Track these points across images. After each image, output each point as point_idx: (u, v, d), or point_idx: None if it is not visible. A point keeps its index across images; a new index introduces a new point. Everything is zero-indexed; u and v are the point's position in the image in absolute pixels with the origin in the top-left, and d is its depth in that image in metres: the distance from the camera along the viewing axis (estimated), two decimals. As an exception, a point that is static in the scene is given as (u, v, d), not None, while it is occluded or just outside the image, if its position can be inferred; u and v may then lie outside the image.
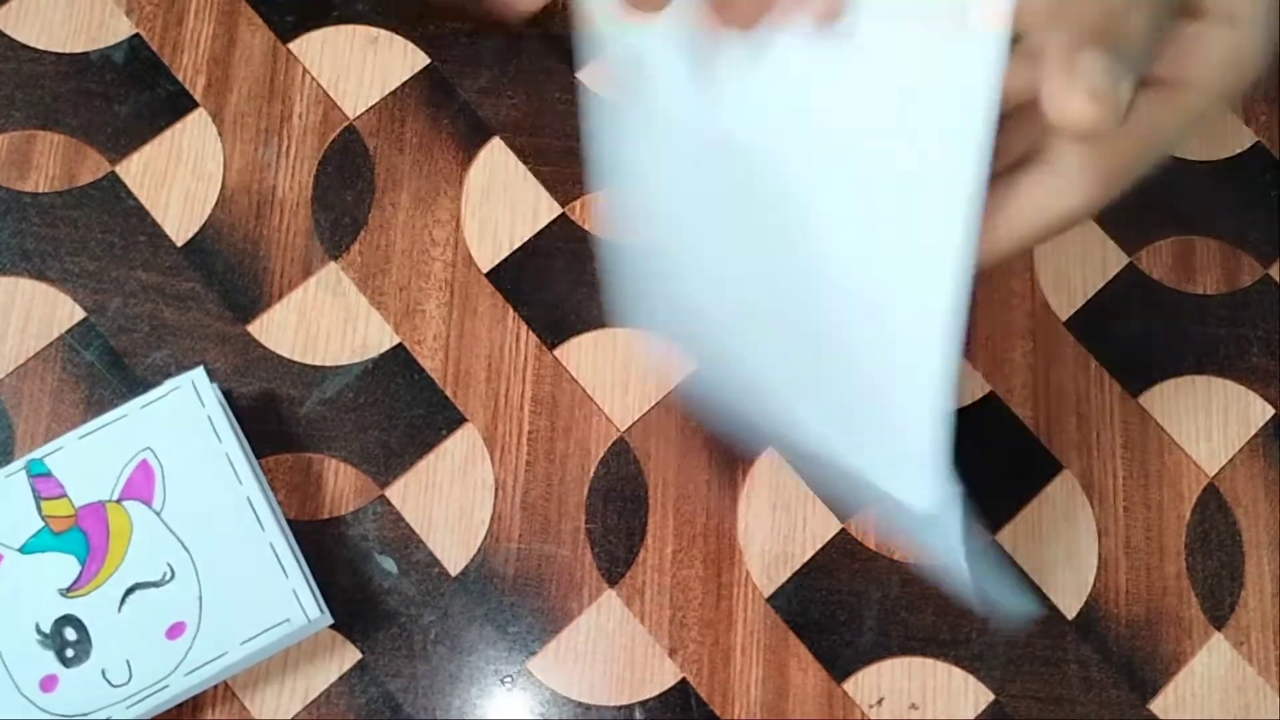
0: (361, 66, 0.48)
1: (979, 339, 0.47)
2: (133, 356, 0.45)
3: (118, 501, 0.40)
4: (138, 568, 0.39)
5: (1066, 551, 0.45)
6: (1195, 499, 0.45)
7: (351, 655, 0.42)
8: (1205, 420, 0.46)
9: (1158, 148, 0.31)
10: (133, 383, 0.44)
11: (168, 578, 0.39)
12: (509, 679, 0.42)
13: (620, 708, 0.42)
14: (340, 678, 0.42)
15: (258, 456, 0.44)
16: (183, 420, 0.40)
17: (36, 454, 0.40)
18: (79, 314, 0.45)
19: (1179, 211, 0.48)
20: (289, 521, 0.43)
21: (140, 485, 0.40)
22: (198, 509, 0.40)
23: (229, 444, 0.40)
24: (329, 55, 0.48)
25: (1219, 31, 0.31)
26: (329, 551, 0.43)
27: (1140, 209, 0.48)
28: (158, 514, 0.40)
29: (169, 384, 0.41)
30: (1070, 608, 0.44)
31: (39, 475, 0.40)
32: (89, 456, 0.40)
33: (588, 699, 0.42)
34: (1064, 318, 0.47)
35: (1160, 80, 0.31)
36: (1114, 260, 0.48)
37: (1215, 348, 0.47)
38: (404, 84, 0.48)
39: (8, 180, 0.46)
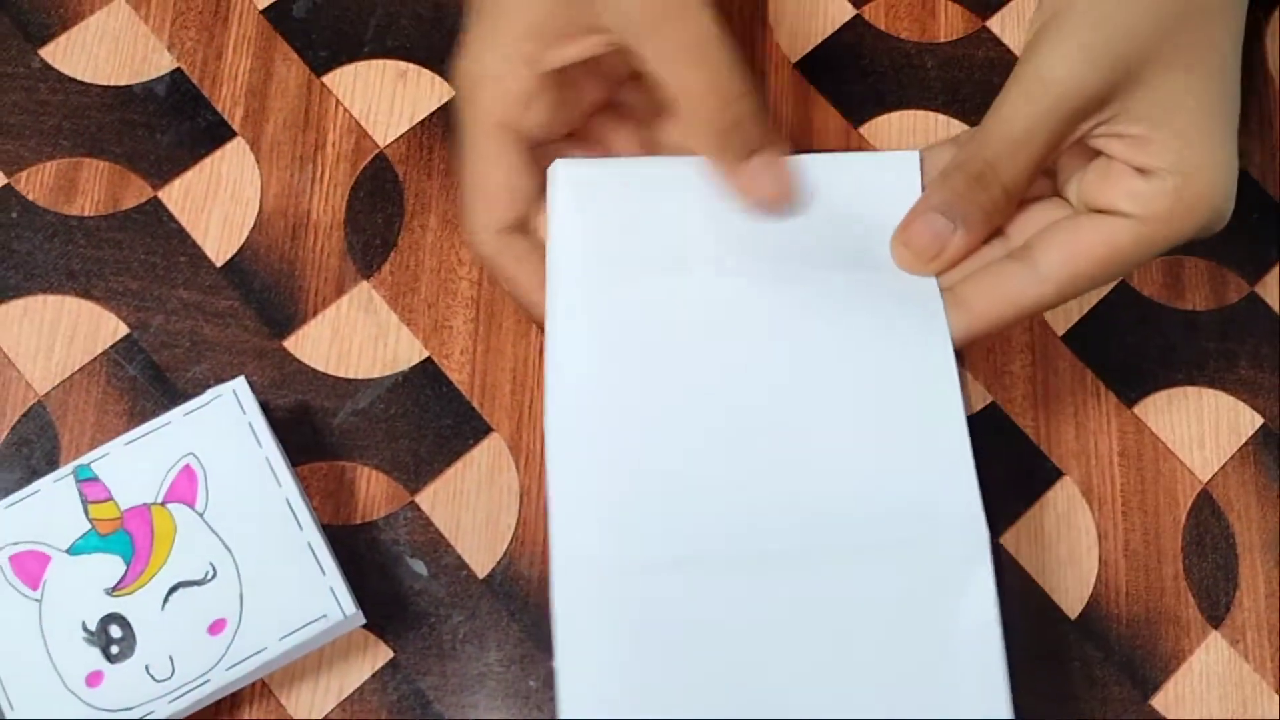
0: (391, 98, 0.50)
1: (981, 353, 0.49)
2: (174, 370, 0.47)
3: (162, 504, 0.41)
4: (181, 567, 0.41)
5: (1068, 554, 0.47)
6: (1190, 504, 0.47)
7: (384, 654, 0.44)
8: (1198, 429, 0.48)
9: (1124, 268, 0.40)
10: (174, 395, 0.46)
11: (210, 576, 0.41)
12: (536, 676, 0.44)
13: (642, 704, 0.44)
14: (373, 675, 0.44)
15: (293, 464, 0.46)
16: (224, 426, 0.42)
17: (84, 459, 0.42)
18: (123, 330, 0.47)
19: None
20: (323, 526, 0.45)
21: (184, 488, 0.42)
22: (239, 511, 0.42)
23: (269, 449, 0.42)
24: (360, 88, 0.50)
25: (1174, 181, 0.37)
26: (361, 555, 0.45)
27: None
28: (200, 516, 0.41)
29: (211, 392, 0.43)
30: (1072, 608, 0.46)
31: (86, 480, 0.41)
32: (134, 461, 0.42)
33: (611, 696, 0.44)
34: (1060, 332, 0.49)
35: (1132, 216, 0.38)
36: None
37: (1205, 361, 0.49)
38: (432, 114, 0.50)
39: (55, 205, 0.48)
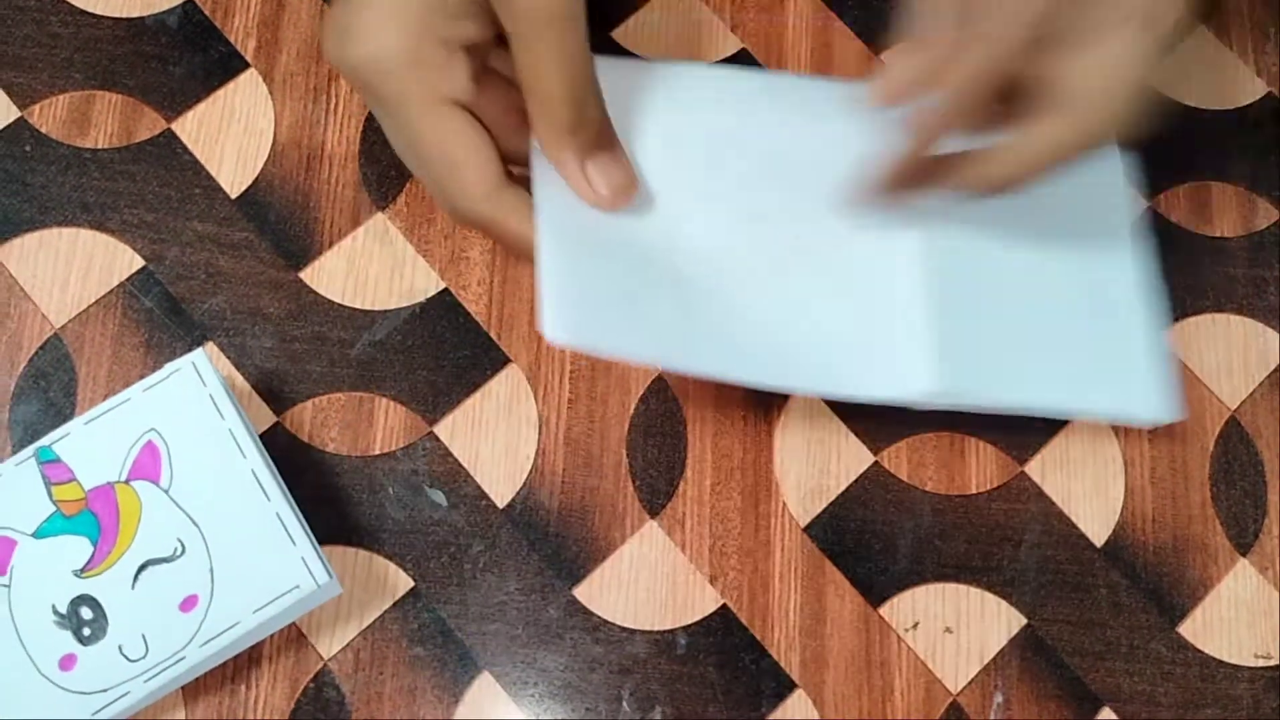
0: (405, 28, 0.50)
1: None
2: (190, 302, 0.46)
3: (126, 482, 0.41)
4: (149, 545, 0.40)
5: (1094, 482, 0.46)
6: (1218, 431, 0.47)
7: (404, 583, 0.44)
8: (1225, 356, 0.48)
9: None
10: (190, 326, 0.46)
11: (179, 553, 0.40)
12: (555, 605, 0.44)
13: (663, 632, 0.44)
14: (394, 604, 0.44)
15: (312, 395, 0.45)
16: (185, 400, 0.41)
17: (44, 441, 0.41)
18: (138, 263, 0.47)
19: (1195, 158, 0.50)
20: (341, 458, 0.45)
21: (147, 465, 0.41)
22: (204, 485, 0.41)
23: (231, 420, 0.41)
24: (374, 18, 0.50)
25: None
26: (381, 485, 0.45)
27: (1158, 156, 0.49)
28: (166, 492, 0.41)
29: (169, 366, 0.42)
30: (1099, 535, 0.45)
31: (48, 461, 0.41)
32: (96, 440, 0.41)
33: (632, 624, 0.44)
34: (1086, 260, 0.48)
35: None
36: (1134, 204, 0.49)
37: (1234, 288, 0.48)
38: (446, 44, 0.49)
39: (69, 138, 0.48)
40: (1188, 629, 0.45)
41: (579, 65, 0.39)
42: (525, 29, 0.38)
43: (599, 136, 0.41)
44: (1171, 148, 0.50)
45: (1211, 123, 0.50)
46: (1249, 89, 0.51)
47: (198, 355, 0.42)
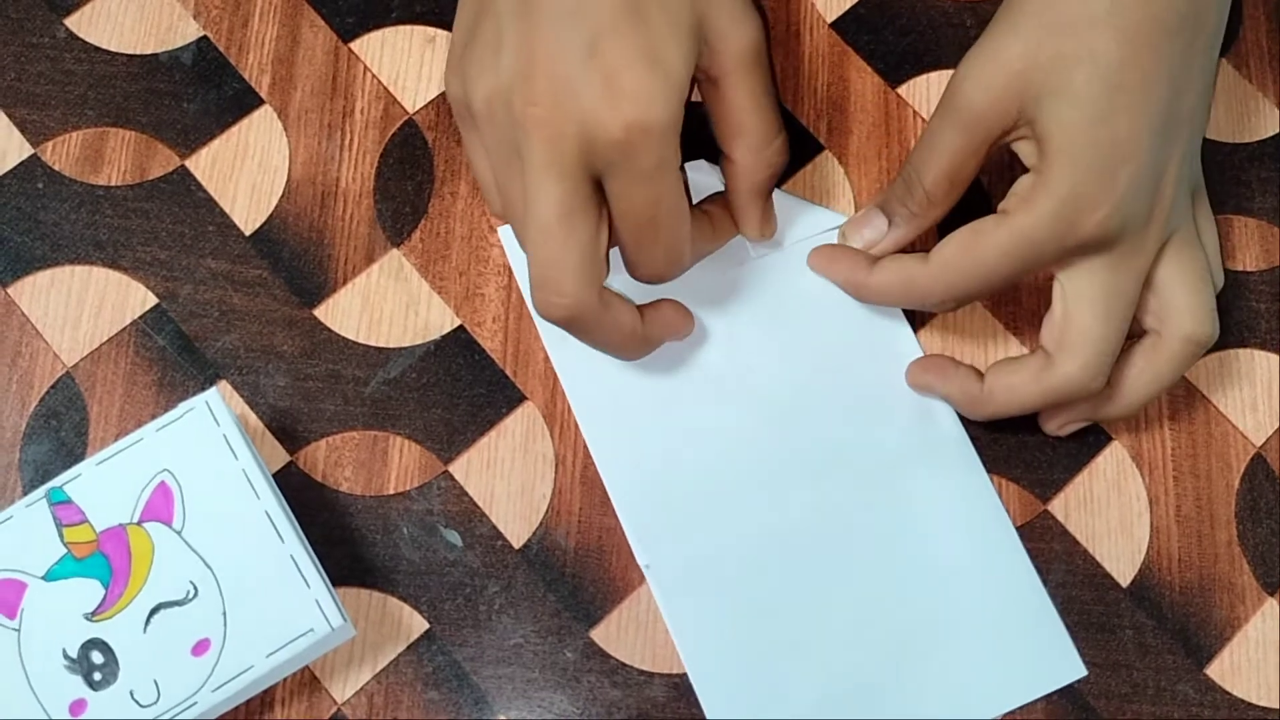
0: (420, 64, 0.50)
1: (1017, 328, 0.48)
2: (203, 340, 0.46)
3: (138, 524, 0.40)
4: (161, 588, 0.40)
5: (1119, 520, 0.45)
6: (1243, 468, 0.46)
7: (419, 625, 0.43)
8: (1250, 392, 0.47)
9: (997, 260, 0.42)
10: (203, 365, 0.46)
11: (191, 596, 0.40)
12: (572, 648, 0.43)
13: (683, 675, 0.43)
14: (408, 647, 0.43)
15: (325, 434, 0.45)
16: (198, 440, 0.41)
17: (56, 482, 0.40)
18: (151, 300, 0.46)
19: (1216, 192, 0.49)
20: (355, 498, 0.44)
21: (160, 507, 0.40)
22: (217, 526, 0.40)
23: (245, 460, 0.41)
24: (388, 54, 0.50)
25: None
26: (395, 525, 0.44)
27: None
28: (178, 534, 0.40)
29: (183, 406, 0.41)
30: (1124, 575, 0.45)
31: (59, 503, 0.40)
32: (107, 481, 0.40)
33: (650, 667, 0.43)
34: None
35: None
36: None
37: (1257, 322, 0.48)
38: (461, 80, 0.49)
39: (82, 174, 0.48)
40: (1216, 670, 0.44)
41: (774, 100, 0.42)
42: (738, 61, 0.40)
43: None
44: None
45: (1231, 156, 0.50)
46: (1269, 121, 0.51)
47: (211, 394, 0.41)
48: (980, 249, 0.41)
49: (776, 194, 0.46)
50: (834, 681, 0.43)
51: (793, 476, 0.45)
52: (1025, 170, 0.41)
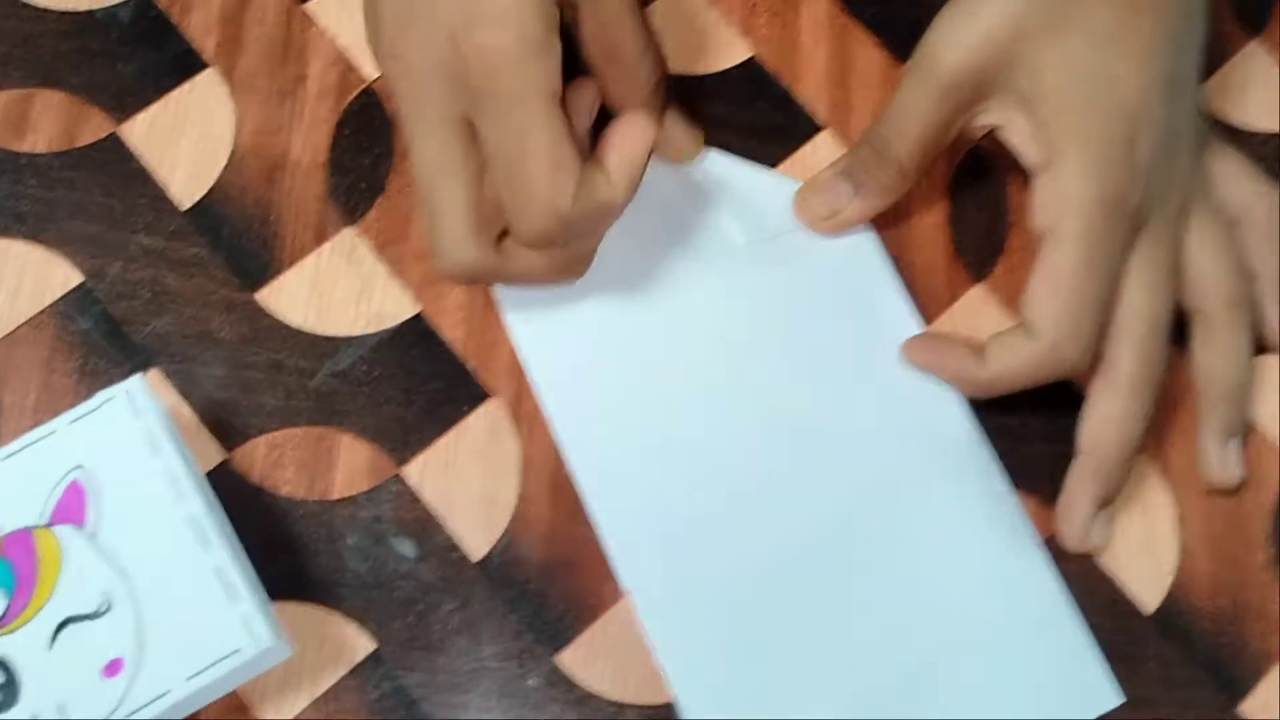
0: (381, 27, 0.45)
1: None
2: (132, 324, 0.41)
3: (47, 527, 0.36)
4: (70, 599, 0.35)
5: (1142, 540, 0.41)
6: (1279, 486, 0.42)
7: (364, 647, 0.39)
8: (1284, 403, 0.43)
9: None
10: (132, 351, 0.41)
11: (104, 609, 0.35)
12: (536, 674, 0.39)
13: (658, 706, 0.39)
14: (350, 671, 0.38)
15: (265, 431, 0.40)
16: (118, 434, 0.37)
17: None
18: (75, 279, 0.42)
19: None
20: (296, 503, 0.40)
21: (71, 508, 0.36)
22: (136, 532, 0.36)
23: (169, 458, 0.36)
24: (347, 15, 0.45)
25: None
26: (340, 534, 0.40)
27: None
28: (91, 538, 0.36)
29: (101, 395, 0.37)
30: (1149, 602, 0.41)
31: None
32: (13, 479, 0.36)
33: (621, 697, 0.39)
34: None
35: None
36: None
37: (1293, 326, 0.44)
38: (426, 45, 0.45)
39: (3, 140, 0.43)
40: (1250, 708, 0.40)
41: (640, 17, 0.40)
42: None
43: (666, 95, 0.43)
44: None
45: (1265, 144, 0.46)
46: (1296, 110, 0.47)
47: (133, 383, 0.37)
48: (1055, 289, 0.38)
49: (736, 165, 0.44)
50: (841, 709, 0.38)
51: (792, 483, 0.41)
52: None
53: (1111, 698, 0.39)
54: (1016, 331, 0.39)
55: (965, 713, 0.39)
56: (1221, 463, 0.41)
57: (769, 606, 0.40)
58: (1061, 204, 0.38)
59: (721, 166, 0.44)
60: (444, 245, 0.37)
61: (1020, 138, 0.39)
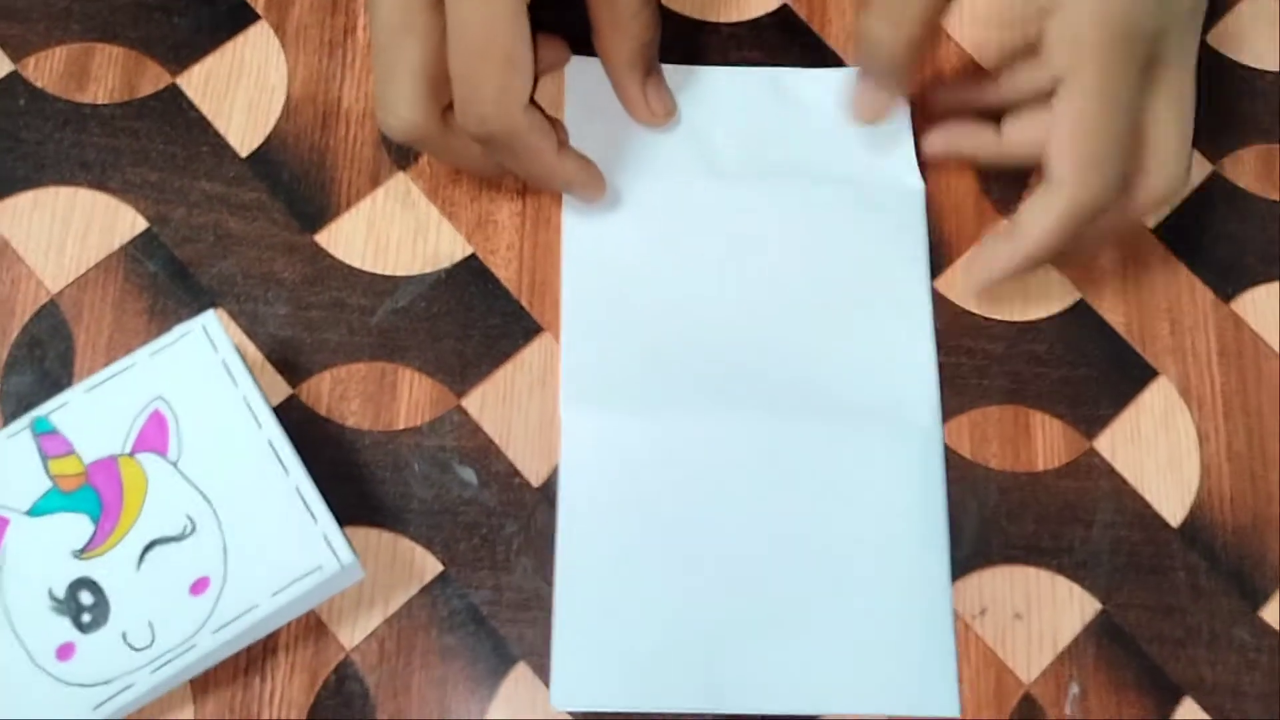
0: (427, -21, 0.47)
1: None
2: (197, 266, 0.43)
3: (130, 455, 0.37)
4: (155, 522, 0.37)
5: (1167, 459, 0.43)
6: (1295, 406, 0.44)
7: (433, 567, 0.40)
8: (1300, 326, 0.45)
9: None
10: (198, 292, 0.43)
11: (189, 531, 0.37)
12: (597, 591, 0.40)
13: (713, 620, 0.40)
14: (421, 590, 0.40)
15: (329, 366, 0.42)
16: (195, 366, 0.38)
17: (40, 411, 0.37)
18: (141, 224, 0.43)
19: (1261, 121, 0.47)
20: (362, 433, 0.41)
21: (153, 436, 0.38)
22: (216, 457, 0.37)
23: (245, 388, 0.38)
24: (393, -31, 0.47)
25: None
26: (406, 462, 0.41)
27: (1222, 118, 0.47)
28: (174, 465, 0.37)
29: (178, 329, 0.38)
30: (1175, 515, 0.42)
31: (44, 433, 0.37)
32: (97, 410, 0.38)
33: (679, 611, 0.40)
34: (1151, 226, 0.46)
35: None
36: (1198, 169, 0.47)
37: (1306, 254, 0.46)
38: (471, -4, 0.46)
39: (66, 92, 0.44)
40: (1271, 613, 0.42)
41: None
42: None
43: (656, 58, 0.42)
44: (1235, 110, 0.47)
45: (1276, 85, 0.48)
46: None
47: (208, 317, 0.38)
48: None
49: (781, 74, 0.46)
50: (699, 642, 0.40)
51: (749, 447, 0.42)
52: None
53: (951, 707, 0.40)
54: (1043, 190, 0.39)
55: (810, 672, 0.40)
56: None
57: (686, 588, 0.40)
58: (1075, 46, 0.37)
59: (788, 79, 0.46)
60: (392, 100, 0.38)
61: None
